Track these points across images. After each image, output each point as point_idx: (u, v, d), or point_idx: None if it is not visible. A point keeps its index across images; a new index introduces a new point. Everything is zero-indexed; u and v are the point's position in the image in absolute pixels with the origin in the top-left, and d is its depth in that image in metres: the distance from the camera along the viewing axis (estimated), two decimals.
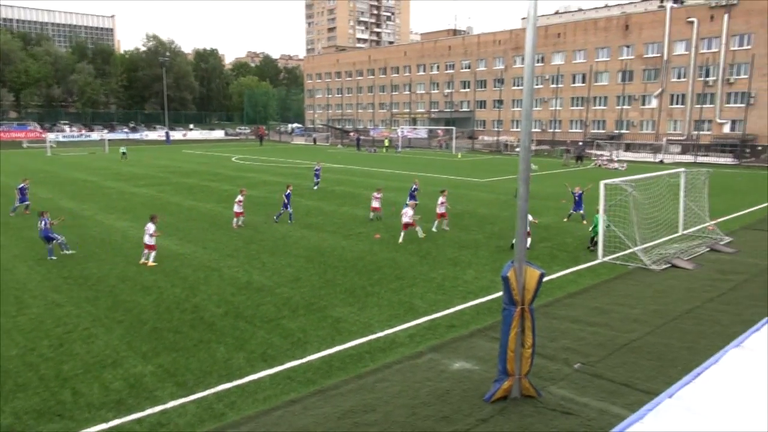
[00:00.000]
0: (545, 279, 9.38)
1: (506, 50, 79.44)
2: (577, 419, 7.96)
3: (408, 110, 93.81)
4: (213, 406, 8.41)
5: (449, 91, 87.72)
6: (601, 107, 70.14)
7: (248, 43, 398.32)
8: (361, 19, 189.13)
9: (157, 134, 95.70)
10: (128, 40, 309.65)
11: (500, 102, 79.66)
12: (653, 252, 17.17)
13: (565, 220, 22.74)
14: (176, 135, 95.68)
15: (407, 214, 19.17)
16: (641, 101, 66.38)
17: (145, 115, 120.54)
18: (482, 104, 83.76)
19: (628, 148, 62.59)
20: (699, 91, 60.94)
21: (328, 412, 8.20)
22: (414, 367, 9.65)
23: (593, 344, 10.55)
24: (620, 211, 18.25)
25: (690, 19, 61.09)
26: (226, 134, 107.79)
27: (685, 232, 19.80)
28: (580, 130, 71.02)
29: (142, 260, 16.24)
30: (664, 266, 16.03)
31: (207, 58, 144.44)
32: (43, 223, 16.94)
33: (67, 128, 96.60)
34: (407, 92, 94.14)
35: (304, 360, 9.95)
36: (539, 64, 73.50)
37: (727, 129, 59.64)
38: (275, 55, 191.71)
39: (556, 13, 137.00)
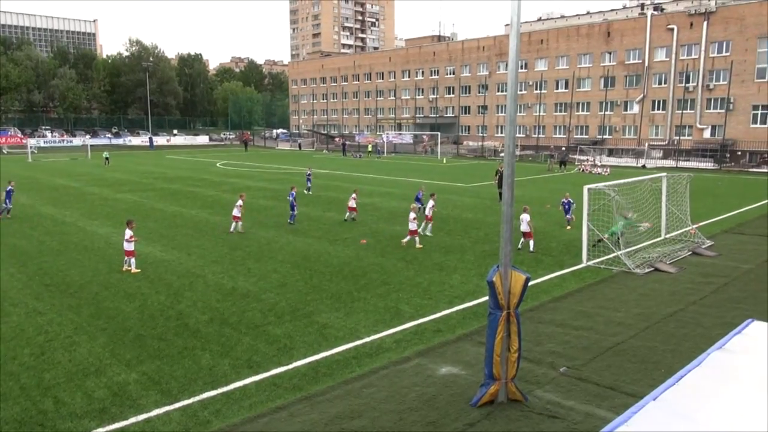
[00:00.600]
0: (530, 283, 9.44)
1: (490, 56, 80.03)
2: (563, 422, 8.01)
3: (393, 116, 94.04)
4: (198, 413, 8.33)
5: (434, 96, 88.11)
6: (584, 113, 70.89)
7: (233, 49, 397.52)
8: (346, 24, 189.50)
9: (140, 140, 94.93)
10: (111, 45, 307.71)
11: (485, 107, 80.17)
12: (636, 256, 17.37)
13: (569, 228, 22.10)
14: (160, 140, 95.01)
15: (414, 220, 19.18)
16: (623, 107, 67.22)
17: (128, 121, 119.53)
18: (467, 110, 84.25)
19: (611, 153, 63.37)
20: (680, 96, 61.87)
21: (315, 419, 8.15)
22: (401, 373, 9.64)
23: (578, 348, 10.62)
24: (603, 215, 18.44)
25: (670, 27, 62.07)
26: (211, 140, 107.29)
27: (667, 236, 20.05)
28: (564, 136, 71.69)
29: (125, 267, 16.07)
30: (648, 270, 16.21)
31: (191, 63, 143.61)
32: None
33: (48, 134, 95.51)
34: (392, 98, 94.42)
35: (290, 366, 9.90)
36: (523, 70, 74.13)
37: (707, 134, 60.59)
38: (260, 61, 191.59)
39: (539, 19, 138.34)
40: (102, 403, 8.59)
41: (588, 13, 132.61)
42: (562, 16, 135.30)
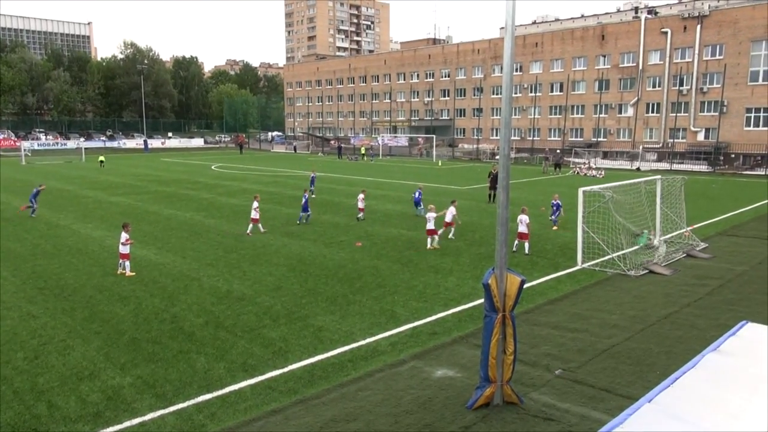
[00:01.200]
0: (526, 286, 9.45)
1: (485, 59, 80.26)
2: (559, 425, 8.01)
3: (388, 118, 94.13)
4: (193, 417, 8.30)
5: (429, 99, 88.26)
6: (579, 116, 71.15)
7: (227, 51, 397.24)
8: (341, 27, 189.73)
9: (135, 142, 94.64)
10: (105, 48, 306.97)
11: (480, 110, 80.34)
12: (631, 258, 17.41)
13: (555, 228, 22.65)
14: (155, 143, 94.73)
15: (441, 217, 19.41)
16: (618, 110, 67.50)
17: (123, 123, 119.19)
18: (462, 112, 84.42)
19: (606, 155, 63.55)
20: (674, 99, 62.17)
21: (310, 422, 8.13)
22: (396, 375, 9.63)
23: (574, 350, 10.64)
24: (598, 217, 18.49)
25: (664, 30, 62.40)
26: (206, 142, 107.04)
27: (662, 238, 20.10)
28: (559, 138, 71.90)
29: (119, 270, 16.00)
30: (642, 272, 16.25)
31: (186, 66, 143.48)
32: None
33: (42, 136, 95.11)
34: (387, 100, 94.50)
35: (286, 369, 9.87)
36: (518, 73, 74.34)
37: (701, 137, 60.89)
38: (255, 63, 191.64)
39: (534, 23, 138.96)
40: (96, 407, 8.55)
41: (582, 16, 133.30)
42: (557, 20, 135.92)
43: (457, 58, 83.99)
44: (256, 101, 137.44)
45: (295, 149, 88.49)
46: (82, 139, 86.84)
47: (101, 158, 56.28)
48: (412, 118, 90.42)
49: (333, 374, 9.69)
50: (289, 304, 13.40)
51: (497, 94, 78.30)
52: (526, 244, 18.48)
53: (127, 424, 8.10)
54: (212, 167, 55.61)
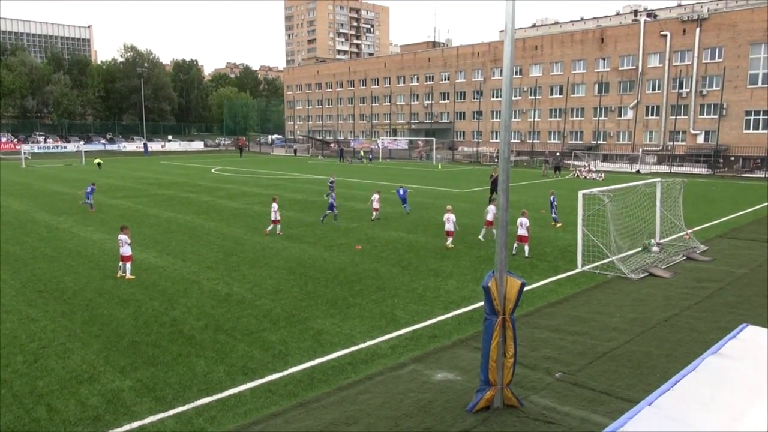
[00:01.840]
0: (526, 289, 9.44)
1: (485, 62, 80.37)
2: (559, 428, 8.00)
3: (388, 121, 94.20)
4: (192, 420, 8.28)
5: (429, 102, 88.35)
6: (579, 118, 71.22)
7: (228, 54, 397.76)
8: (341, 30, 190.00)
9: (135, 145, 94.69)
10: (105, 51, 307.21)
11: (479, 113, 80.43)
12: (631, 261, 17.41)
13: (558, 225, 23.46)
14: (155, 146, 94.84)
15: (450, 221, 19.75)
16: (617, 112, 67.57)
17: (123, 127, 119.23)
18: (462, 115, 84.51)
19: (605, 158, 63.61)
20: (673, 102, 62.24)
21: (310, 425, 8.12)
22: (396, 379, 9.62)
23: (574, 353, 10.63)
24: (598, 220, 18.48)
25: (663, 33, 62.52)
26: (206, 145, 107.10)
27: (661, 240, 20.10)
28: (558, 141, 71.96)
29: (119, 273, 16.00)
30: (642, 275, 16.25)
31: (186, 69, 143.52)
32: None
33: (42, 139, 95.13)
34: (387, 103, 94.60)
35: (286, 372, 9.86)
36: (517, 76, 74.45)
37: (701, 140, 60.96)
38: (255, 66, 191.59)
39: (533, 26, 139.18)
40: (96, 411, 8.53)
41: (582, 19, 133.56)
42: (557, 23, 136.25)
43: (457, 61, 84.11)
44: (256, 104, 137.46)
45: (295, 152, 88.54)
46: (82, 143, 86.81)
47: (98, 160, 56.36)
48: (412, 121, 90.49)
49: (333, 377, 9.68)
50: (288, 307, 13.39)
51: (497, 97, 78.38)
52: (526, 247, 18.48)
53: (126, 427, 8.09)
54: (212, 170, 55.63)
